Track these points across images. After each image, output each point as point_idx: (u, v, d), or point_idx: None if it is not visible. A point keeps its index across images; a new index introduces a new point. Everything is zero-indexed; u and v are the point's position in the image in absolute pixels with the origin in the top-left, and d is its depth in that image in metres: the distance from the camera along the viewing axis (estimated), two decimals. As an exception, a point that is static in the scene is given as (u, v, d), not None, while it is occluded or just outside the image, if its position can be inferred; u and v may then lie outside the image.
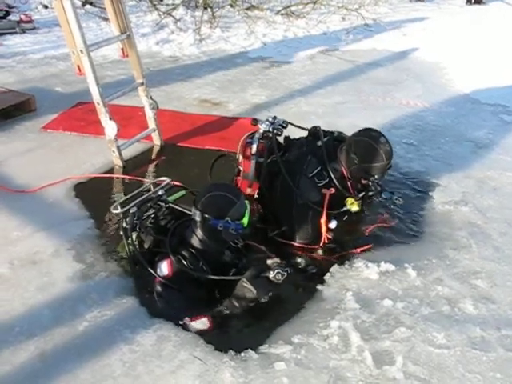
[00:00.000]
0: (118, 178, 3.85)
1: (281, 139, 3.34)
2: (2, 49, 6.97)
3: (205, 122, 4.85)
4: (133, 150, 4.19)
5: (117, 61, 6.31)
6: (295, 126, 3.35)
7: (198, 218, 2.51)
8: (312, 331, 2.48)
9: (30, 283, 2.73)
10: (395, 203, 3.14)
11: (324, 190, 3.02)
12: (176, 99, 5.43)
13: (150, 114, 4.26)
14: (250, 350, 2.36)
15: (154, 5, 8.83)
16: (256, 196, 3.20)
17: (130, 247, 2.71)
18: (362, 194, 3.09)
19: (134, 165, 4.06)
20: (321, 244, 3.05)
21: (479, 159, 4.31)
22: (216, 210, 2.50)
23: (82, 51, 3.58)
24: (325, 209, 2.98)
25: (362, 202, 3.14)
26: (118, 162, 3.97)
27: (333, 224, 3.05)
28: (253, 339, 2.43)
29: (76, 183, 3.71)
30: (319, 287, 2.79)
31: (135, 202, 2.81)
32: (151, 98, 4.20)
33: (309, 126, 3.35)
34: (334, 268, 2.93)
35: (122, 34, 3.93)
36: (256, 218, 3.19)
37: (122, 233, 2.73)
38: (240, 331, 2.50)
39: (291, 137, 3.40)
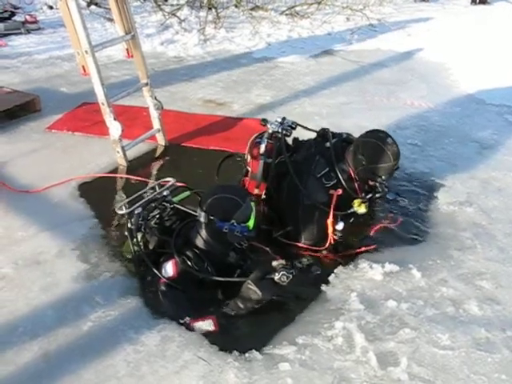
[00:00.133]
0: (121, 177, 3.85)
1: (289, 140, 3.34)
2: (7, 49, 7.00)
3: (209, 123, 4.85)
4: (137, 150, 4.20)
5: (121, 61, 6.32)
6: (304, 127, 3.35)
7: (203, 220, 2.51)
8: (316, 332, 2.48)
9: (34, 283, 2.73)
10: (400, 204, 3.13)
11: (331, 191, 3.02)
12: (180, 99, 5.44)
13: (154, 114, 4.27)
14: (254, 350, 2.35)
15: (159, 5, 8.85)
16: (263, 197, 3.20)
17: (135, 248, 2.71)
18: (370, 195, 3.09)
19: (139, 165, 4.06)
20: (326, 245, 3.05)
21: (484, 160, 4.29)
22: (222, 212, 2.50)
23: (86, 52, 3.59)
24: (332, 210, 2.98)
25: (369, 204, 3.13)
26: (123, 162, 3.98)
27: (340, 225, 3.03)
28: (257, 340, 2.43)
29: (80, 183, 3.72)
30: (323, 288, 2.78)
31: (140, 202, 2.81)
32: (156, 98, 4.20)
33: (313, 127, 3.35)
34: (339, 269, 2.92)
35: (126, 34, 3.94)
36: (261, 218, 3.18)
37: (127, 233, 2.74)
38: (244, 332, 2.49)
39: (300, 138, 3.40)
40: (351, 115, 5.09)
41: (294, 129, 3.25)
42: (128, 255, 2.84)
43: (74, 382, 2.19)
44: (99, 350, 2.33)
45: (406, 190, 3.76)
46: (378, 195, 3.07)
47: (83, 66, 3.72)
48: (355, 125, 4.68)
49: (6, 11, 7.95)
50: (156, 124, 4.32)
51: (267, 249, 2.86)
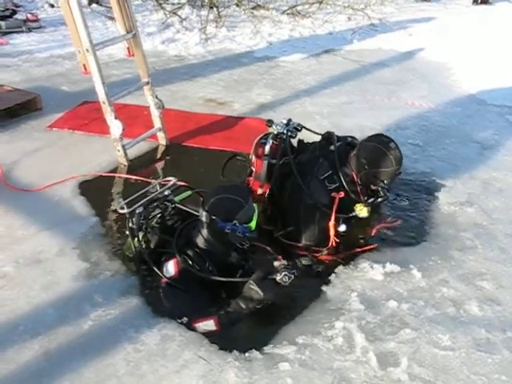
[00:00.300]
0: (120, 177, 3.85)
1: (294, 142, 3.34)
2: (8, 47, 7.00)
3: (210, 122, 4.85)
4: (138, 149, 4.20)
5: (122, 60, 6.32)
6: (309, 130, 3.36)
7: (205, 220, 2.50)
8: (316, 332, 2.48)
9: (35, 282, 2.73)
10: (400, 204, 3.13)
11: (333, 194, 3.03)
12: (181, 98, 5.43)
13: (155, 113, 4.26)
14: (254, 350, 2.36)
15: (160, 4, 8.83)
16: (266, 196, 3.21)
17: (137, 247, 2.71)
18: (372, 199, 3.09)
19: (140, 164, 4.07)
20: (328, 247, 3.04)
21: (485, 160, 4.29)
22: (224, 212, 2.50)
23: (87, 50, 3.59)
24: (333, 212, 2.98)
25: (370, 208, 3.13)
26: (124, 161, 3.98)
27: (342, 227, 3.04)
28: (257, 339, 2.44)
29: (81, 182, 3.72)
30: (324, 288, 2.78)
31: (142, 201, 2.81)
32: (157, 97, 4.21)
33: (314, 126, 3.38)
34: (339, 269, 2.92)
35: (127, 33, 3.93)
36: (262, 218, 3.18)
37: (128, 232, 2.74)
38: (244, 331, 2.50)
39: (305, 141, 3.40)
40: (352, 115, 5.08)
41: (300, 131, 3.27)
42: (129, 254, 2.84)
43: (75, 380, 2.19)
44: (100, 349, 2.34)
45: (407, 190, 3.76)
46: (379, 199, 3.07)
47: (84, 65, 3.72)
48: (356, 124, 4.70)
49: (7, 9, 7.94)
50: (157, 123, 4.32)
51: (269, 249, 2.85)
